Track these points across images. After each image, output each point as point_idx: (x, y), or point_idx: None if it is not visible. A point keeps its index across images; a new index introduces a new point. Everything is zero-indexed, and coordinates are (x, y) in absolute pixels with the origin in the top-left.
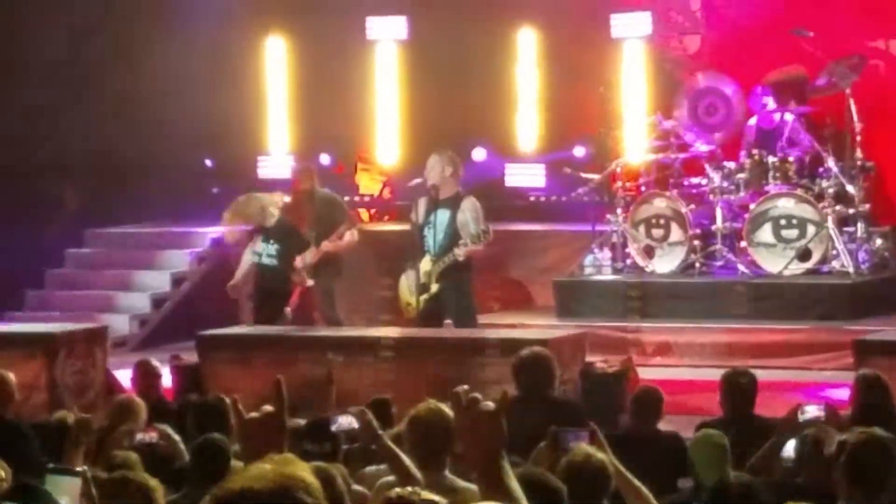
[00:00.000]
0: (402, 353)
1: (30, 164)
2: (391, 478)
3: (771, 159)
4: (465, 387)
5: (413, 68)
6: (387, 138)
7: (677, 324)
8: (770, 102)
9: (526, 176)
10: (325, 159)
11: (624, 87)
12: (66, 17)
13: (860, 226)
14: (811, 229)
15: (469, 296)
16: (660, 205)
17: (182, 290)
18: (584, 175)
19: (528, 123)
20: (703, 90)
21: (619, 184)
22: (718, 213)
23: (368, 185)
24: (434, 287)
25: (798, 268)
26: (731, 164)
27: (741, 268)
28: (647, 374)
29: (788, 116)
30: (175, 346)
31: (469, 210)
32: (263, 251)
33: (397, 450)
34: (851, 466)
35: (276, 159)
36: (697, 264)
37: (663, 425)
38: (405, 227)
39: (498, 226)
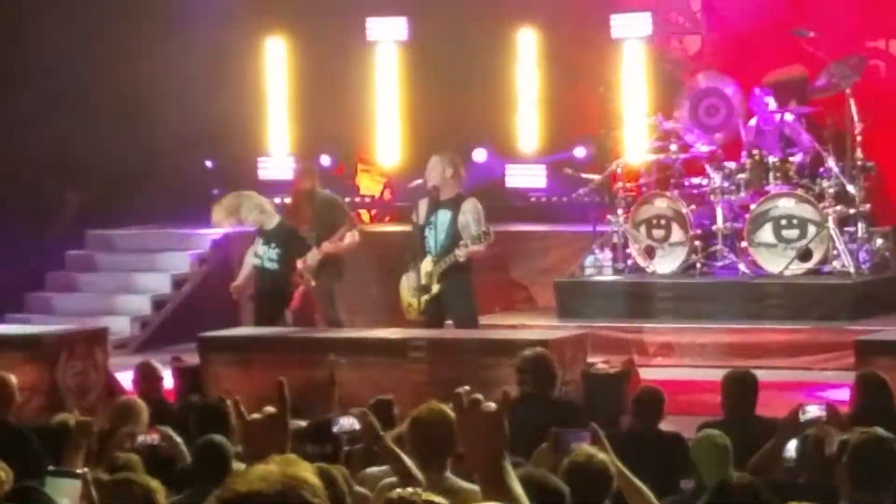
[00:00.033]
0: (402, 353)
1: (30, 165)
2: (393, 479)
3: (771, 159)
4: (467, 388)
5: (413, 69)
6: (387, 139)
7: (678, 324)
8: (770, 103)
9: (526, 177)
10: (325, 160)
11: (624, 88)
12: (66, 19)
13: (861, 226)
14: (812, 229)
15: (470, 297)
16: (661, 205)
17: (183, 291)
18: (584, 176)
19: (528, 124)
20: (703, 91)
21: (620, 184)
22: (719, 213)
23: (369, 186)
24: (435, 288)
25: (799, 268)
26: (731, 165)
27: (742, 268)
28: (649, 374)
29: (789, 117)
30: (176, 347)
31: (470, 211)
32: (265, 255)
33: (399, 451)
34: (853, 466)
35: (277, 160)
36: (698, 265)
37: (665, 426)
38: (406, 228)
39: (499, 227)
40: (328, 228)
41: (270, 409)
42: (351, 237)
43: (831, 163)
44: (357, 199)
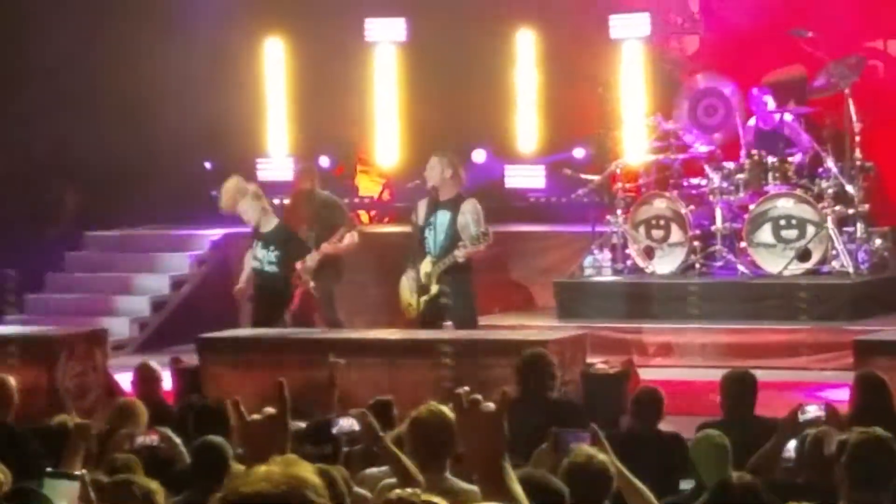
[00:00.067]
0: (401, 354)
1: (30, 166)
2: (392, 480)
3: (770, 160)
4: (466, 388)
5: (412, 70)
6: (386, 140)
7: (678, 324)
8: (769, 102)
9: (526, 177)
10: (324, 161)
11: (623, 88)
12: (65, 20)
13: (859, 226)
14: (811, 230)
15: (469, 297)
16: (659, 206)
17: (182, 292)
18: (583, 176)
19: (527, 125)
20: (702, 91)
21: (619, 185)
22: (718, 213)
23: (368, 186)
24: (434, 288)
25: (798, 268)
26: (730, 165)
27: (741, 268)
28: (648, 374)
29: (788, 117)
30: (175, 348)
31: (470, 212)
32: (264, 258)
33: (398, 452)
34: (852, 466)
35: (276, 161)
36: (697, 265)
37: (664, 426)
38: (405, 228)
39: (498, 227)
40: (327, 229)
41: (270, 409)
42: (350, 238)
43: (830, 163)
44: (356, 200)
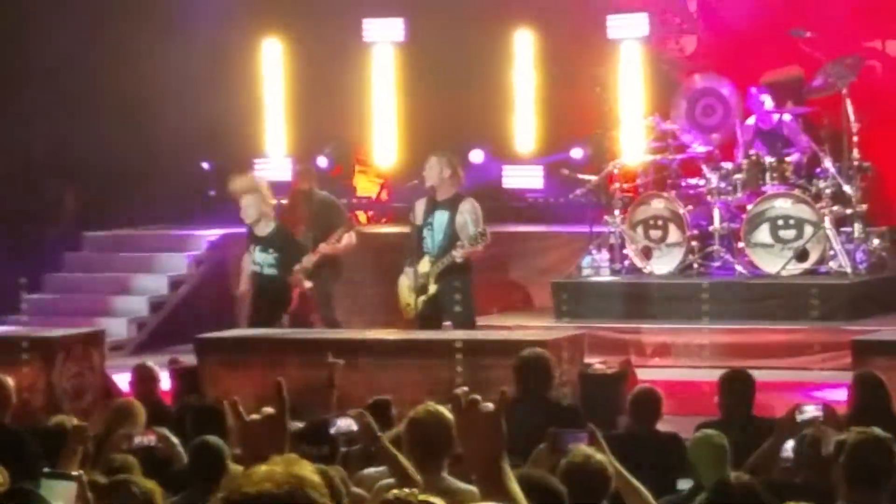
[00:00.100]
0: (401, 354)
1: (28, 167)
2: (390, 480)
3: (768, 160)
4: (465, 388)
5: (410, 70)
6: (384, 140)
7: (675, 325)
8: (767, 101)
9: (524, 177)
10: (322, 161)
11: (621, 89)
12: (64, 20)
13: (857, 226)
14: (809, 230)
15: (468, 297)
16: (657, 206)
17: (180, 293)
18: (581, 176)
19: (525, 125)
20: (700, 91)
21: (617, 185)
22: (716, 213)
23: (366, 187)
24: (432, 288)
25: (796, 268)
26: (728, 165)
27: (739, 268)
28: (646, 374)
29: (786, 117)
30: (173, 349)
31: (468, 212)
32: (263, 262)
33: (396, 452)
34: (850, 466)
35: (274, 161)
36: (695, 265)
37: (662, 426)
38: (403, 229)
39: (496, 227)
40: (325, 230)
41: (269, 409)
42: (348, 238)
43: (828, 163)
44: (354, 200)
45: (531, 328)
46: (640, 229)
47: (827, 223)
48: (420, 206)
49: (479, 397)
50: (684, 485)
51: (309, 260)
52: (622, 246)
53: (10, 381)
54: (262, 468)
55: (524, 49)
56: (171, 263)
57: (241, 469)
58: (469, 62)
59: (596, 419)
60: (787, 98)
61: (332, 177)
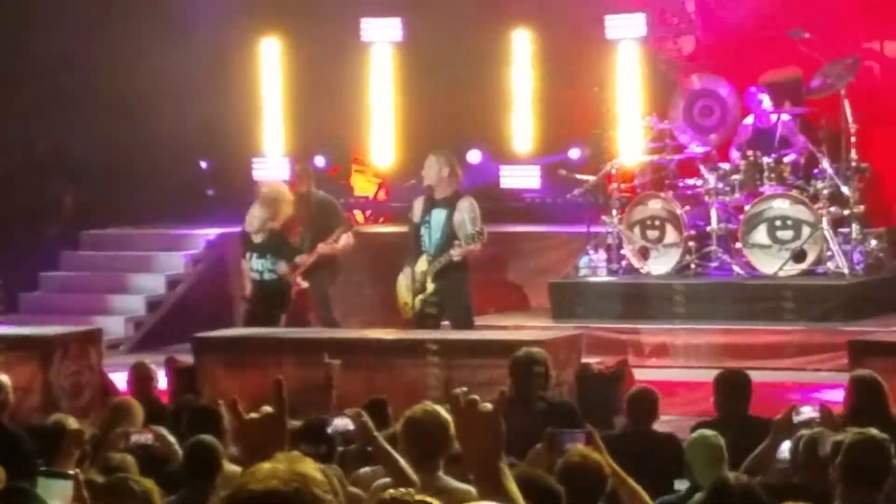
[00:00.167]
0: (398, 354)
1: (25, 166)
2: (386, 479)
3: (766, 160)
4: (465, 389)
5: (408, 70)
6: (382, 140)
7: (673, 325)
8: (766, 100)
9: (521, 178)
10: (320, 161)
11: (619, 89)
12: (63, 20)
13: (855, 227)
14: (806, 230)
15: (466, 296)
16: (655, 206)
17: (177, 292)
18: (579, 176)
19: (523, 125)
20: (697, 92)
21: (614, 185)
22: (713, 214)
23: (363, 186)
24: (430, 287)
25: (793, 269)
26: (725, 166)
27: (736, 269)
28: (643, 374)
29: (784, 117)
30: (170, 348)
31: (466, 210)
32: (263, 268)
33: (393, 451)
34: (847, 467)
35: (271, 161)
36: (692, 266)
37: (659, 426)
38: (401, 228)
39: (493, 227)
40: (323, 230)
41: (268, 409)
42: (346, 239)
43: (826, 164)
44: (351, 200)
45: (528, 328)
46: (637, 229)
47: (824, 224)
48: (418, 203)
49: (477, 397)
50: (681, 485)
51: (303, 259)
52: (619, 246)
53: (7, 380)
54: (266, 466)
55: (522, 49)
56: (168, 262)
57: (236, 469)
58: (467, 62)
59: (593, 419)
60: (786, 98)
61: (329, 176)
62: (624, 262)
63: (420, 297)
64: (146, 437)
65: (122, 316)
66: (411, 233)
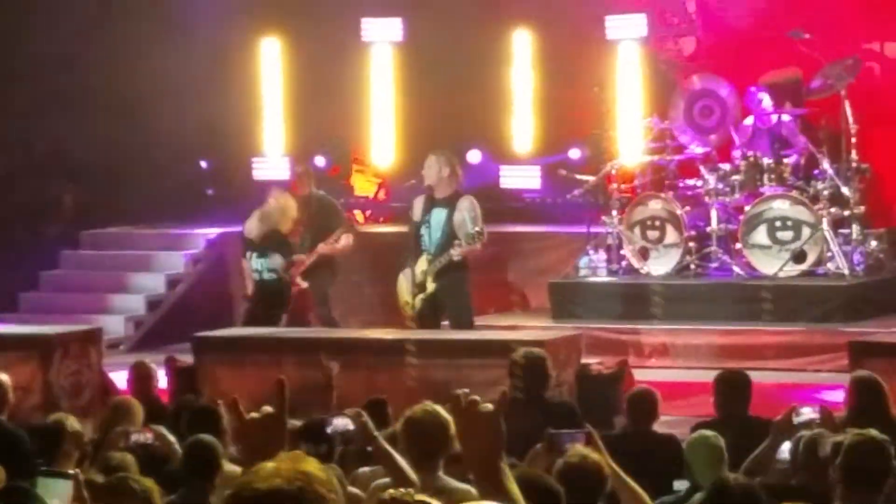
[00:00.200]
0: (398, 354)
1: (25, 165)
2: (386, 479)
3: (766, 161)
4: (466, 390)
5: (408, 70)
6: (382, 140)
7: (673, 325)
8: (766, 99)
9: (521, 178)
10: (320, 161)
11: (619, 89)
12: (63, 19)
13: (855, 228)
14: (806, 231)
15: (466, 296)
16: (655, 206)
17: (177, 291)
18: (579, 177)
19: (523, 125)
20: (698, 92)
21: (615, 185)
22: (713, 214)
23: (363, 186)
24: (430, 286)
25: (793, 270)
26: (726, 166)
27: (736, 269)
28: (643, 375)
29: (784, 118)
30: (170, 347)
31: (467, 209)
32: (263, 268)
33: (393, 452)
34: (847, 468)
35: (271, 161)
36: (693, 266)
37: (659, 426)
38: (400, 228)
39: (493, 228)
40: (323, 230)
41: (268, 408)
42: (346, 239)
43: (826, 165)
44: (351, 200)
45: (528, 328)
46: (637, 230)
47: (825, 225)
48: (418, 203)
49: (478, 398)
50: (680, 485)
51: (303, 259)
52: (619, 246)
53: (7, 379)
54: (269, 465)
55: (522, 49)
56: (168, 262)
57: (236, 469)
58: (467, 62)
59: (592, 419)
60: (786, 99)
61: (329, 176)
62: (624, 263)
63: (420, 296)
64: (146, 437)
65: (123, 315)
66: (411, 232)
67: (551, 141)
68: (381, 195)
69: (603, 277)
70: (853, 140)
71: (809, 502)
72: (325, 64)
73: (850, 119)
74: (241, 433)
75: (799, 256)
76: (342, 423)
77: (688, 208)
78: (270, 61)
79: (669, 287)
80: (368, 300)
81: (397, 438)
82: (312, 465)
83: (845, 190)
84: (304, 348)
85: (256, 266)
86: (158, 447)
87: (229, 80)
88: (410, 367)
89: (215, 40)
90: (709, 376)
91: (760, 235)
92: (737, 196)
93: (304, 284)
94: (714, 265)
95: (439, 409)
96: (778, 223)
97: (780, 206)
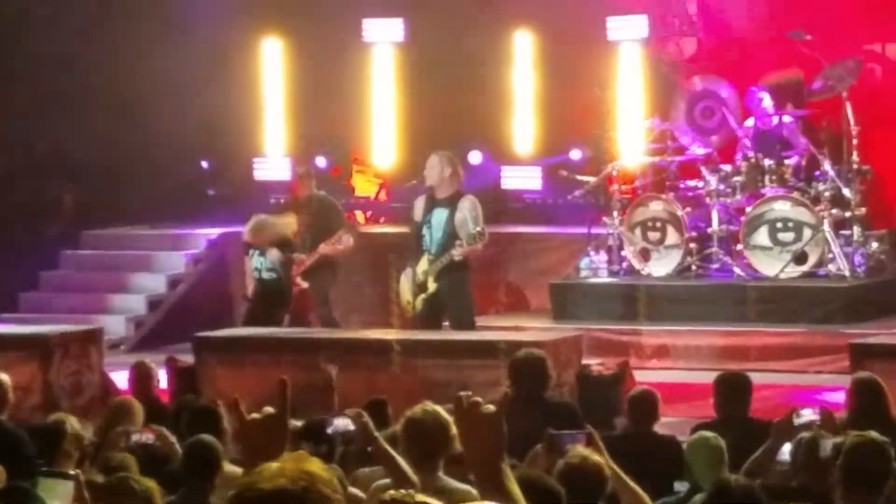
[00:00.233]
0: (398, 354)
1: (26, 165)
2: (386, 480)
3: (767, 162)
4: (469, 392)
5: (409, 71)
6: (383, 141)
7: (673, 326)
8: (766, 98)
9: (522, 178)
10: (321, 161)
11: (620, 90)
12: (64, 19)
13: (856, 229)
14: (807, 232)
15: (467, 296)
16: (656, 208)
17: (178, 291)
18: (580, 178)
19: (524, 126)
20: (699, 93)
21: (616, 186)
22: (715, 216)
23: (364, 187)
24: (432, 286)
25: (794, 271)
26: (727, 167)
27: (737, 271)
28: (644, 376)
29: (785, 119)
30: (171, 347)
31: (468, 209)
32: (262, 266)
33: (393, 452)
34: (847, 470)
35: (272, 161)
36: (693, 267)
37: (659, 428)
38: (401, 229)
39: (494, 228)
40: (324, 231)
41: (270, 409)
42: (347, 240)
43: (827, 166)
44: (352, 200)
45: (529, 329)
46: (638, 231)
47: (826, 226)
48: (419, 203)
49: (480, 399)
50: (681, 486)
51: (304, 259)
52: (620, 247)
53: (8, 379)
54: (273, 465)
55: (523, 50)
56: (169, 262)
57: (236, 470)
58: (468, 63)
59: (593, 420)
60: (787, 100)
61: (330, 177)
62: (625, 264)
63: (422, 296)
64: (147, 437)
65: (123, 315)
66: (413, 232)
67: (552, 142)
68: (382, 196)
69: (604, 278)
70: (854, 141)
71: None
72: (326, 64)
73: (852, 120)
74: (243, 434)
75: (800, 258)
76: (342, 423)
77: (689, 209)
78: (271, 61)
79: (670, 288)
80: (369, 300)
81: (397, 439)
82: (316, 466)
83: (846, 191)
84: (305, 349)
85: (256, 264)
86: (159, 447)
87: (230, 80)
88: (411, 368)
89: (216, 40)
90: (709, 377)
91: (761, 237)
92: (738, 197)
93: (305, 285)
94: (715, 266)
95: (439, 409)
96: (779, 224)
97: (782, 208)
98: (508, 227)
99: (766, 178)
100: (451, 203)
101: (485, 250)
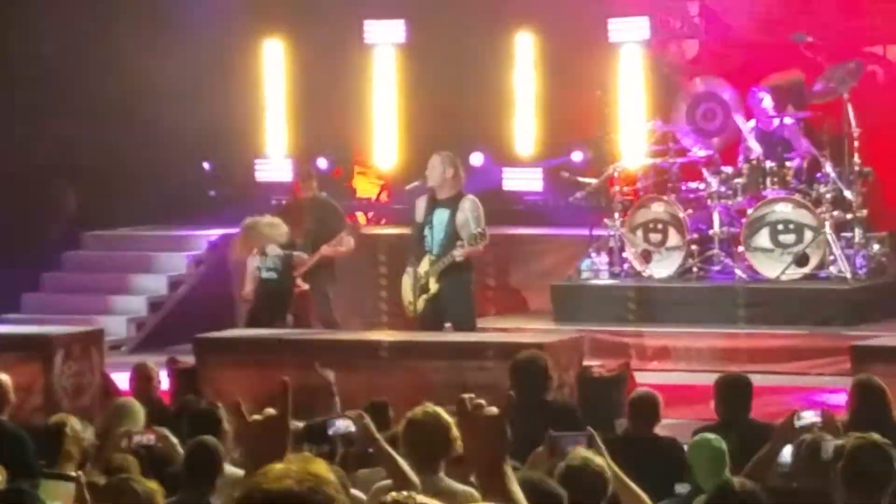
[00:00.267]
0: (399, 356)
1: (27, 166)
2: (388, 481)
3: (769, 164)
4: (472, 395)
5: (411, 72)
6: (384, 142)
7: (675, 328)
8: (767, 99)
9: (523, 180)
10: (322, 163)
11: (622, 92)
12: (63, 19)
13: (858, 231)
14: (809, 234)
15: (469, 297)
16: (657, 209)
17: (179, 293)
18: (581, 179)
19: (525, 128)
20: (701, 95)
21: (617, 188)
22: (716, 217)
23: (366, 188)
24: (433, 287)
25: (795, 273)
26: (728, 169)
27: (739, 272)
28: (645, 378)
29: (787, 121)
30: (172, 348)
31: (469, 210)
32: (263, 265)
33: (394, 454)
34: (848, 472)
35: (274, 162)
36: (695, 269)
37: (660, 429)
38: (403, 230)
39: (495, 230)
40: (324, 233)
41: (271, 410)
42: (348, 242)
43: (828, 168)
44: (354, 202)
45: (530, 331)
46: (639, 233)
47: (827, 228)
48: (420, 203)
49: (483, 401)
50: (682, 489)
51: (305, 260)
52: (621, 249)
53: (9, 380)
54: (279, 466)
55: (525, 52)
56: (170, 263)
57: (237, 471)
58: (470, 64)
59: (594, 422)
60: (788, 102)
61: (332, 178)
62: (626, 266)
63: (423, 297)
64: (148, 438)
65: (124, 316)
66: (414, 233)
67: (553, 143)
68: (384, 197)
69: (605, 280)
70: (856, 143)
71: None
72: (328, 66)
73: (853, 122)
74: (244, 435)
75: (801, 260)
76: (344, 424)
77: (690, 211)
78: (273, 63)
79: (671, 290)
80: (369, 301)
81: (399, 440)
82: (321, 467)
83: (848, 193)
84: (305, 350)
85: (257, 263)
86: (160, 448)
87: (232, 82)
88: (412, 369)
89: (218, 42)
90: (710, 379)
91: (763, 239)
92: (739, 199)
93: (305, 286)
94: (716, 268)
95: (440, 411)
96: (780, 226)
97: (783, 210)
98: (509, 228)
99: (768, 179)
100: (453, 204)
101: (485, 251)
